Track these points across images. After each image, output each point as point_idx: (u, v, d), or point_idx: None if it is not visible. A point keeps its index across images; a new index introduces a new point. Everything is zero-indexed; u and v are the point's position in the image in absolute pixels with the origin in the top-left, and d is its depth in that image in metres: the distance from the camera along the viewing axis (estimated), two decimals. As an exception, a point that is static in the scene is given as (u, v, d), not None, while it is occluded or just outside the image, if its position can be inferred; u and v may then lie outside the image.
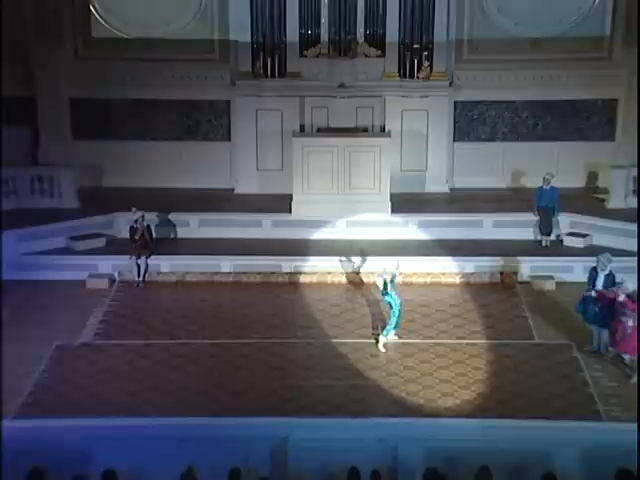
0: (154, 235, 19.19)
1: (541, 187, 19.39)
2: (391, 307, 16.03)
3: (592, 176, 21.59)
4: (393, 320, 16.03)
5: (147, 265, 18.80)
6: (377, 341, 16.10)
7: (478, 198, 20.95)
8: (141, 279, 18.70)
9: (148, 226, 18.91)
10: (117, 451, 11.54)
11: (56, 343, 16.27)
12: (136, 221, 18.76)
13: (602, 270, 15.74)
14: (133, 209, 18.92)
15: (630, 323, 14.90)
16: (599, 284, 15.71)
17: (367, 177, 20.05)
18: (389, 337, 16.13)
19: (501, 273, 18.76)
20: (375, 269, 18.80)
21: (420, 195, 21.20)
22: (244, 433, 12.05)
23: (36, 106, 21.36)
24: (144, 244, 18.74)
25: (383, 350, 15.98)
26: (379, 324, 16.68)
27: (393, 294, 16.02)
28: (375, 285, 18.25)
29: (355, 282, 18.70)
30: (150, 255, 18.81)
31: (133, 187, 21.19)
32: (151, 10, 21.17)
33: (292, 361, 15.85)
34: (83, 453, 11.66)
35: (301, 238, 19.71)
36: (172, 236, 19.98)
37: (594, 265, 16.02)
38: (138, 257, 18.62)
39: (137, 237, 18.72)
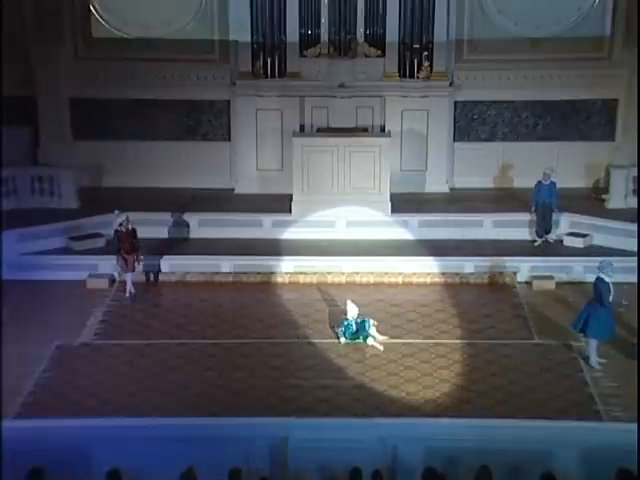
0: (141, 236, 18.36)
1: (540, 182, 19.39)
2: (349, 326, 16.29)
3: (592, 176, 21.57)
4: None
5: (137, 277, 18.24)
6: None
7: (478, 198, 20.96)
8: (133, 293, 18.06)
9: (134, 229, 18.04)
10: (117, 451, 11.53)
11: (56, 343, 16.28)
12: (120, 224, 18.01)
13: (610, 276, 15.31)
14: (116, 211, 18.43)
15: None
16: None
17: (367, 177, 20.05)
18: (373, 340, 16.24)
19: (500, 273, 18.79)
20: (375, 269, 18.91)
21: (420, 195, 21.20)
22: (244, 433, 12.04)
23: (36, 106, 21.33)
24: (130, 247, 17.92)
25: (381, 348, 16.05)
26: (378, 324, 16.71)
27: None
28: (374, 285, 18.40)
29: (355, 282, 18.72)
30: (138, 259, 18.06)
31: (133, 187, 21.19)
32: (151, 10, 21.15)
33: (292, 361, 15.86)
34: (83, 453, 11.66)
35: (301, 238, 19.73)
36: (185, 236, 19.92)
37: (601, 276, 15.28)
38: (127, 269, 17.98)
39: (121, 242, 17.88)
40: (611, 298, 15.28)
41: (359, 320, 16.23)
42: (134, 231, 18.06)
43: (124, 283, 18.48)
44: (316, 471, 11.77)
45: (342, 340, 16.29)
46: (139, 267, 18.37)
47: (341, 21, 21.08)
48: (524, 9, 21.04)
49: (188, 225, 20.05)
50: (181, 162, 21.70)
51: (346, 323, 16.27)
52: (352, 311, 16.30)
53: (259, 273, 18.93)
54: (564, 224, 19.83)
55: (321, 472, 11.78)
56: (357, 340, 16.20)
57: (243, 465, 11.11)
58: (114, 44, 21.21)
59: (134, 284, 18.24)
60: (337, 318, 17.00)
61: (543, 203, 19.36)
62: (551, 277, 18.66)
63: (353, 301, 16.56)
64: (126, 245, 17.98)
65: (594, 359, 15.47)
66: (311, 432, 12.08)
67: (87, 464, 11.51)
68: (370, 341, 16.13)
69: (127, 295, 18.10)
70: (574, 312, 16.16)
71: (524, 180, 20.87)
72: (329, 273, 18.89)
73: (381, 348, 16.06)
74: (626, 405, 14.12)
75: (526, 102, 21.55)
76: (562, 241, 19.62)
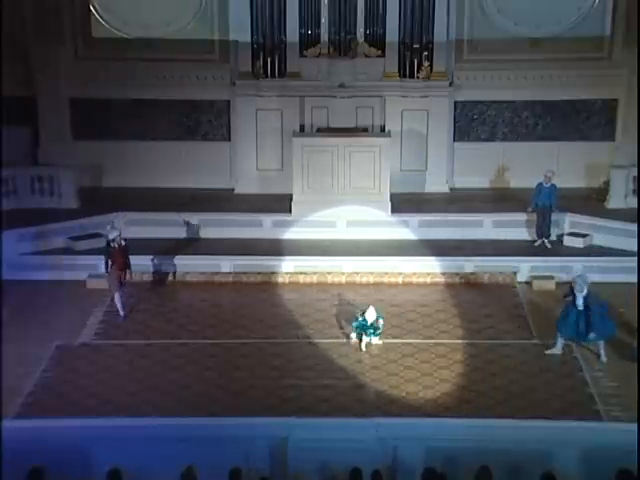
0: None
1: (541, 184, 19.38)
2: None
3: (592, 176, 21.56)
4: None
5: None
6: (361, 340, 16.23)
7: (478, 198, 20.96)
8: (125, 311, 17.40)
9: (126, 245, 17.43)
10: (117, 451, 11.54)
11: (56, 343, 16.29)
12: (113, 240, 17.30)
13: (579, 292, 15.31)
14: (108, 227, 17.96)
15: None
16: (579, 303, 15.34)
17: (367, 177, 20.05)
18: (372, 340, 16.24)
19: (500, 273, 18.78)
20: (375, 269, 18.92)
21: (420, 195, 21.20)
22: (244, 433, 12.05)
23: (36, 106, 21.34)
24: (123, 263, 17.33)
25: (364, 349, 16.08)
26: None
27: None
28: (374, 285, 18.39)
29: (355, 282, 18.72)
30: (130, 276, 17.56)
31: (133, 187, 21.20)
32: (151, 10, 21.16)
33: (292, 361, 15.86)
34: (83, 453, 11.67)
35: (301, 238, 19.73)
36: (196, 236, 19.86)
37: (571, 283, 15.59)
38: (120, 286, 17.36)
39: (114, 258, 17.20)
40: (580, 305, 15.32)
41: (372, 321, 16.19)
42: (127, 247, 17.53)
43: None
44: (316, 471, 11.78)
45: (353, 335, 16.22)
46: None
47: (341, 21, 21.09)
48: (524, 9, 21.05)
49: (198, 226, 19.99)
50: (181, 162, 21.71)
51: (361, 319, 16.14)
52: (370, 314, 16.17)
53: (259, 273, 18.93)
54: (564, 224, 19.84)
55: (321, 472, 11.78)
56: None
57: (243, 465, 11.12)
58: (114, 44, 21.21)
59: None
60: (338, 317, 17.09)
61: (543, 205, 19.34)
62: (551, 277, 18.66)
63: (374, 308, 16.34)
64: (119, 261, 17.34)
65: (559, 347, 15.70)
66: (311, 432, 12.08)
67: (87, 464, 11.53)
68: (375, 340, 16.14)
69: (121, 313, 17.37)
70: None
71: (524, 180, 20.87)
72: (329, 273, 18.89)
73: (364, 348, 16.07)
74: (626, 405, 14.12)
75: (526, 102, 21.56)
76: (562, 241, 19.64)
